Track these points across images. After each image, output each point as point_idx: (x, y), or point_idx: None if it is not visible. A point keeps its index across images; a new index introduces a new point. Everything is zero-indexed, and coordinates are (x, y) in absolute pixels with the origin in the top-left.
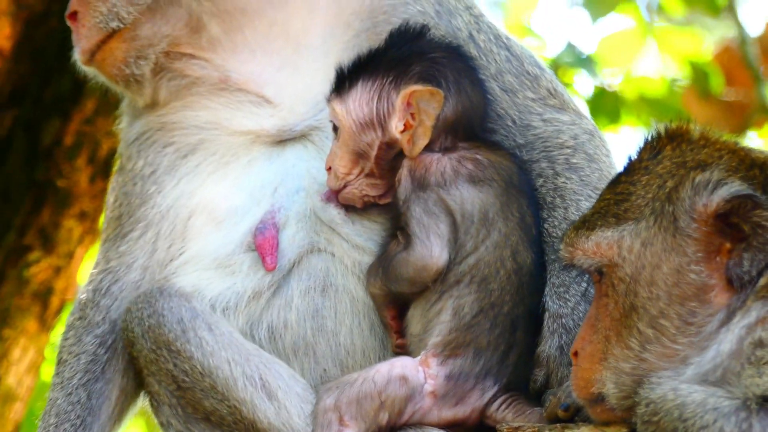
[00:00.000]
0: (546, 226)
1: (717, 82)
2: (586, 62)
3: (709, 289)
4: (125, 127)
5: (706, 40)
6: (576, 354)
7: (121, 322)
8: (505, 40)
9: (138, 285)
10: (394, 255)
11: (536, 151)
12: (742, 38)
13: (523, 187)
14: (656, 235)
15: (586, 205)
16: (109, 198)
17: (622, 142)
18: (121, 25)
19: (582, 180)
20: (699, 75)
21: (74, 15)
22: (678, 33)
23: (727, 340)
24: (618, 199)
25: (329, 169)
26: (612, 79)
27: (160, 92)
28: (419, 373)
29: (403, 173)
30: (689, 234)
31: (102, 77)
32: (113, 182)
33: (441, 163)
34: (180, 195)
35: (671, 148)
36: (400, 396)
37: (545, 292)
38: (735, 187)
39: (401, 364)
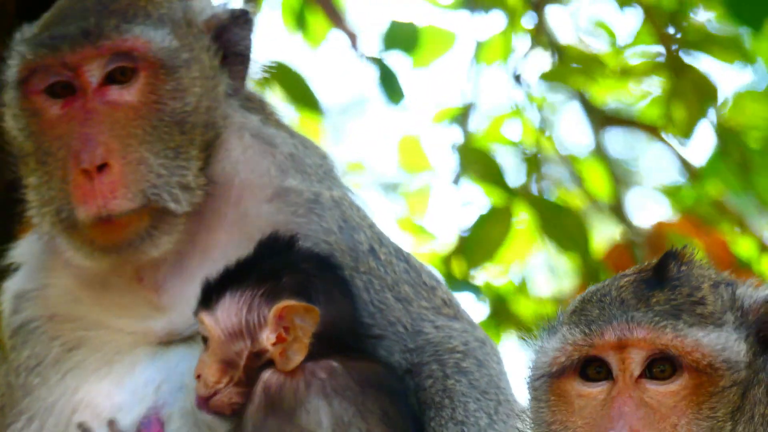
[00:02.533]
0: (433, 424)
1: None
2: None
3: None
4: (8, 312)
5: (597, 238)
6: None
7: None
8: (405, 254)
9: None
10: None
11: (427, 354)
12: (631, 239)
13: (386, 386)
14: (741, 344)
15: (473, 406)
16: None
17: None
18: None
19: (471, 384)
20: (591, 272)
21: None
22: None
23: None
24: (693, 301)
25: (198, 377)
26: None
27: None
28: None
29: (258, 390)
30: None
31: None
32: None
33: (295, 379)
34: (65, 390)
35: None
36: None
37: None
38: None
39: None
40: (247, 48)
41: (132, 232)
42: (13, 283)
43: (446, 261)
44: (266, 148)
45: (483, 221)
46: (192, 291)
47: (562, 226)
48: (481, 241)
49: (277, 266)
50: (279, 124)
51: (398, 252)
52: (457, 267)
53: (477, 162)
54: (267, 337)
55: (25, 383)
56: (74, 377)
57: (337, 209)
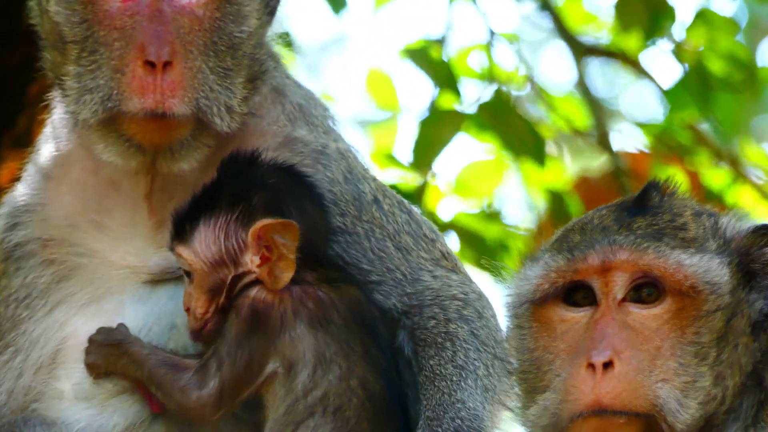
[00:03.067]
0: (431, 363)
1: (575, 211)
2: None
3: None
4: (3, 227)
5: (567, 171)
6: (610, 364)
7: None
8: (407, 207)
9: (3, 409)
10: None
11: (428, 298)
12: (618, 168)
13: (368, 319)
14: (724, 269)
15: (474, 355)
16: None
17: None
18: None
19: (472, 332)
20: (556, 203)
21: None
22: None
23: None
24: (674, 226)
25: (188, 310)
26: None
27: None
28: None
29: (245, 305)
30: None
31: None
32: None
33: (284, 304)
34: (52, 323)
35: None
36: None
37: (419, 425)
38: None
39: None
40: (278, 1)
41: (174, 137)
42: (11, 198)
43: (417, 195)
44: (277, 96)
45: (431, 120)
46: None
47: (515, 131)
48: (427, 141)
49: (246, 187)
50: (287, 75)
51: (401, 204)
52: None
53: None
54: (251, 260)
55: (14, 315)
56: (62, 311)
57: (343, 161)
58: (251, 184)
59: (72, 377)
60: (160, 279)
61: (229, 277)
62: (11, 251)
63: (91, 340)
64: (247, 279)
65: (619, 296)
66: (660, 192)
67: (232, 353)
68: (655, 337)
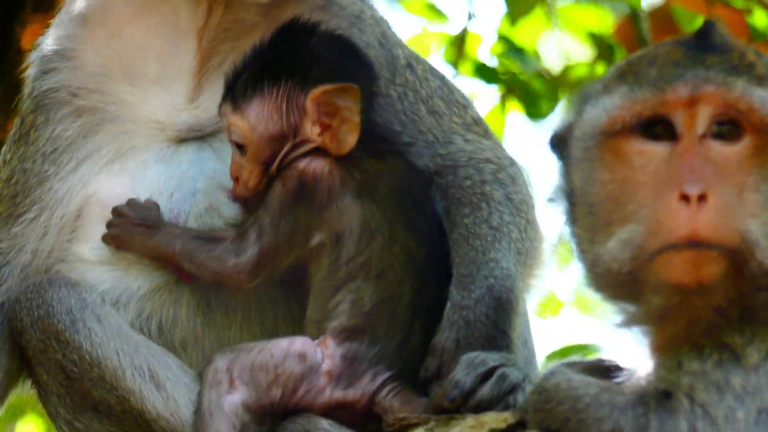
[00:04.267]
0: (466, 221)
1: (621, 56)
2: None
3: None
4: (35, 77)
5: (609, 16)
6: (703, 197)
7: (9, 311)
8: (440, 73)
9: (27, 269)
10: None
11: (462, 160)
12: (636, 14)
13: (412, 187)
14: None
15: (508, 218)
16: (3, 171)
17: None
18: None
19: (507, 196)
20: (603, 49)
21: None
22: (581, 10)
23: None
24: (746, 64)
25: (236, 179)
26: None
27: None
28: (317, 352)
29: (293, 175)
30: None
31: None
32: (8, 151)
33: (332, 175)
34: (77, 181)
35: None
36: (296, 373)
37: (451, 282)
38: None
39: (301, 342)
40: None
41: None
42: (42, 45)
43: (457, 43)
44: None
45: None
46: (214, 82)
47: None
48: None
49: (304, 55)
50: None
51: (433, 70)
52: (471, 48)
53: None
54: (311, 129)
55: (40, 171)
56: (87, 168)
57: (377, 26)
58: (310, 53)
59: (93, 240)
60: (185, 138)
61: (286, 148)
62: (40, 100)
63: (120, 213)
64: (303, 148)
65: (701, 131)
66: (717, 31)
67: (275, 223)
68: (739, 173)
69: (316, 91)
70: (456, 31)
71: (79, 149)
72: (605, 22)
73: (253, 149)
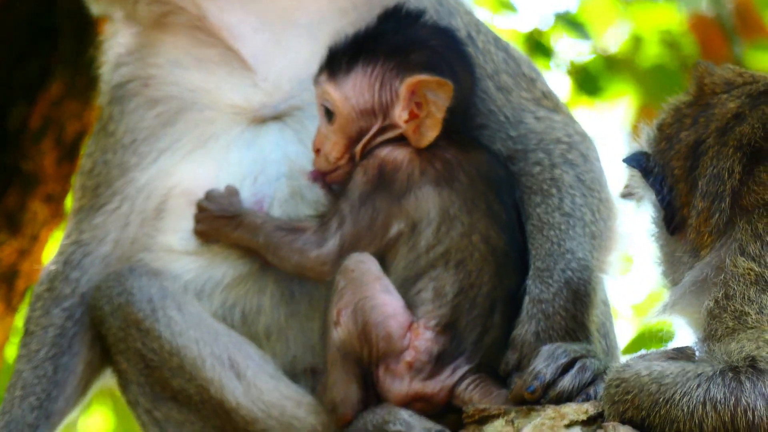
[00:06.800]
0: (538, 211)
1: (691, 53)
2: (578, 27)
3: None
4: (109, 71)
5: (680, 12)
6: None
7: (90, 299)
8: (503, 43)
9: (109, 259)
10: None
11: (532, 143)
12: (720, 6)
13: (493, 178)
14: None
15: (580, 201)
16: (85, 163)
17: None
18: None
19: (578, 177)
20: (672, 47)
21: None
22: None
23: None
24: None
25: (318, 151)
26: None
27: (138, 8)
28: (405, 338)
29: (374, 164)
30: None
31: None
32: (92, 144)
33: (412, 164)
34: (158, 171)
35: None
36: (383, 336)
37: (529, 275)
38: None
39: (398, 321)
40: None
41: None
42: (113, 45)
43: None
44: None
45: None
46: (274, 53)
47: None
48: None
49: (407, 40)
50: None
51: (497, 41)
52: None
53: None
54: (399, 114)
55: (122, 162)
56: (167, 158)
57: None
58: (412, 39)
59: (178, 230)
60: (264, 119)
61: (374, 128)
62: (114, 92)
63: (201, 208)
64: (389, 134)
65: None
66: None
67: (355, 212)
68: None
69: (413, 80)
70: (525, 25)
71: (159, 139)
72: (675, 18)
73: (342, 120)
